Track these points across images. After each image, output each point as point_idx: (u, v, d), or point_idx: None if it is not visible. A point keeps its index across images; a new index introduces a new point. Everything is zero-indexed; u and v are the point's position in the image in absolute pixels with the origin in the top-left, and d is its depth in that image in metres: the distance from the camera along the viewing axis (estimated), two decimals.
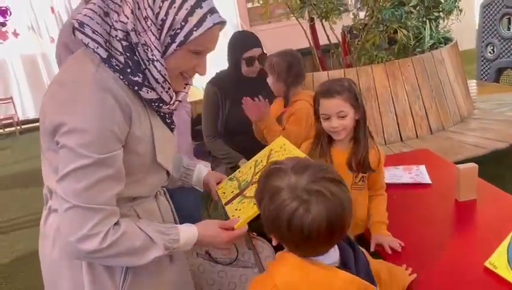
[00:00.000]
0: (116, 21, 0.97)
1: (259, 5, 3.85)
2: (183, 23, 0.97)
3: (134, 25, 0.96)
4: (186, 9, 0.97)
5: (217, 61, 2.97)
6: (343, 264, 0.95)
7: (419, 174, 2.01)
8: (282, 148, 1.42)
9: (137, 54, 0.98)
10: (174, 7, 0.96)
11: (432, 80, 3.39)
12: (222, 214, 1.66)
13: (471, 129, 3.37)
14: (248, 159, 2.40)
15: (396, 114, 3.28)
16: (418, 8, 3.50)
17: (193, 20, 0.97)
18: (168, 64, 1.01)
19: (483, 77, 5.05)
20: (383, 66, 3.31)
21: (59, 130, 0.94)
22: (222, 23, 1.02)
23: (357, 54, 3.61)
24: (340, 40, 3.86)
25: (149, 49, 0.97)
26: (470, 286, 1.28)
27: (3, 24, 6.95)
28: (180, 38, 0.98)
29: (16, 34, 7.12)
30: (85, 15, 0.99)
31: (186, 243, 1.10)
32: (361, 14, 3.79)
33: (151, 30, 0.96)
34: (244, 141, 2.32)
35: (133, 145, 1.02)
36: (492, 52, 4.94)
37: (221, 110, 2.47)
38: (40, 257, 1.14)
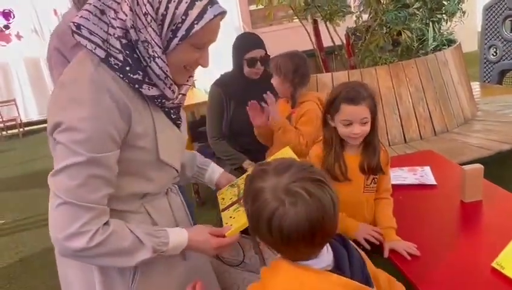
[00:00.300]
0: (113, 18, 0.96)
1: (262, 7, 3.84)
2: (183, 17, 0.96)
3: (133, 22, 0.95)
4: (186, 2, 0.95)
5: (222, 63, 2.98)
6: (337, 267, 0.92)
7: (424, 175, 2.00)
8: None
9: (137, 51, 0.98)
10: (174, 1, 0.95)
11: (436, 81, 3.39)
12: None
13: (475, 131, 3.36)
14: (252, 160, 2.42)
15: (400, 116, 3.27)
16: (421, 10, 3.50)
17: (194, 13, 0.96)
18: (170, 59, 1.00)
19: (486, 79, 5.04)
20: (386, 67, 3.30)
21: (57, 128, 0.95)
22: (223, 13, 1.00)
23: (361, 55, 3.61)
24: (344, 41, 3.86)
25: (149, 46, 0.96)
26: (477, 286, 1.27)
27: (7, 27, 7.01)
28: (181, 32, 0.97)
29: (19, 37, 7.17)
30: (81, 17, 0.98)
31: (176, 247, 1.09)
32: (365, 17, 3.80)
33: (151, 26, 0.95)
34: (249, 142, 2.32)
35: (134, 140, 1.02)
36: (495, 54, 4.93)
37: (226, 112, 2.47)
38: (56, 255, 1.14)
